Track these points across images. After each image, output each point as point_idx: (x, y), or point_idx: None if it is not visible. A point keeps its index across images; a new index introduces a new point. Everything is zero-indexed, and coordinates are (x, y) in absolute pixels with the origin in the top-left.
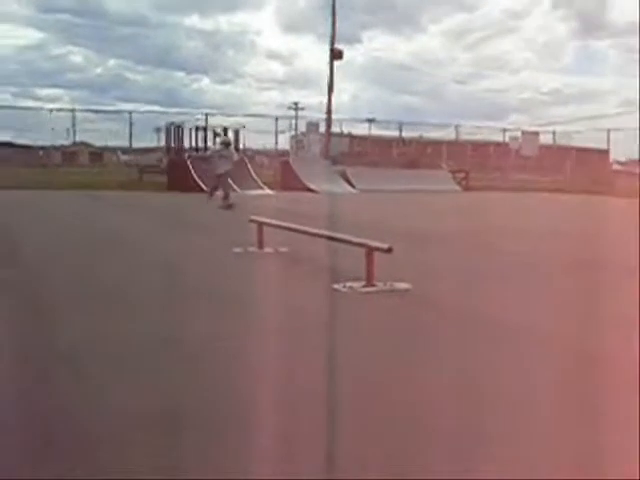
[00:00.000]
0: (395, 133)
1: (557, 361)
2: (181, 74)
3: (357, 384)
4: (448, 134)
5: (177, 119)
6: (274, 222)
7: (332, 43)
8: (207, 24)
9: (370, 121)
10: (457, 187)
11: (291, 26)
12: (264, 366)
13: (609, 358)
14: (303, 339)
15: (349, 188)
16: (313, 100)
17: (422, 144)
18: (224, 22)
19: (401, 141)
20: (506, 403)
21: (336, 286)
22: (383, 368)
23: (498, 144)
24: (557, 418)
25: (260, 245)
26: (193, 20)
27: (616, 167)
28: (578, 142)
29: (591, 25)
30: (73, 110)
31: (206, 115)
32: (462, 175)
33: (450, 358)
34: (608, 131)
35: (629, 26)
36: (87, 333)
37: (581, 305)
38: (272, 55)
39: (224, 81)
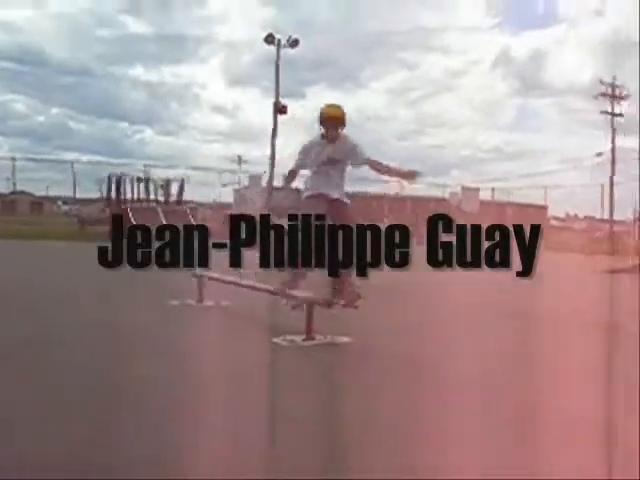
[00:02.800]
0: None
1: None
2: (124, 124)
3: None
4: (389, 189)
5: (120, 170)
6: (214, 275)
7: (276, 97)
8: (151, 75)
9: None
10: None
11: (236, 80)
12: (190, 422)
13: None
14: (235, 393)
15: None
16: (257, 154)
17: (365, 199)
18: (168, 74)
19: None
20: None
21: (276, 340)
22: (321, 418)
23: (438, 200)
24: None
25: (200, 298)
26: (137, 71)
27: (554, 223)
28: (517, 198)
29: (530, 84)
30: (13, 159)
31: (147, 167)
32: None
33: (380, 407)
34: (546, 188)
35: (567, 86)
36: None
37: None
38: (216, 108)
39: (167, 133)
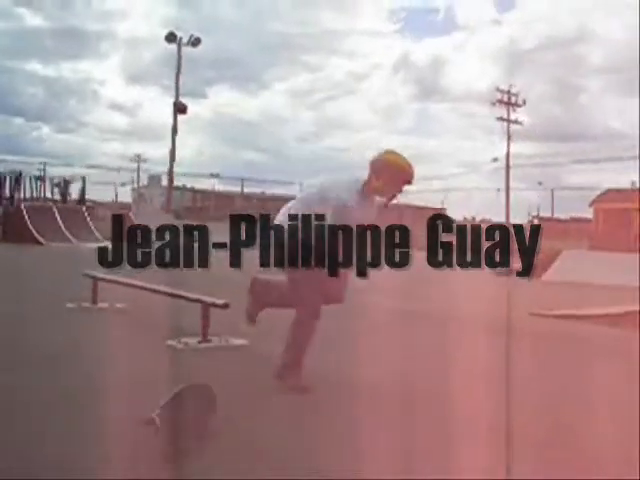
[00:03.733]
0: (238, 188)
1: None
2: (20, 121)
3: None
4: (290, 191)
5: (15, 167)
6: (109, 277)
7: (176, 97)
8: (49, 71)
9: (214, 176)
10: None
11: (135, 77)
12: (82, 426)
13: None
14: (128, 395)
15: None
16: (156, 153)
17: (264, 200)
18: (67, 69)
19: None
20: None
21: (170, 342)
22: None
23: None
24: None
25: (94, 300)
26: (34, 66)
27: None
28: (415, 201)
29: (429, 89)
30: None
31: (44, 165)
32: None
33: (271, 409)
34: (444, 191)
35: (465, 92)
36: None
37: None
38: (115, 106)
39: (65, 130)
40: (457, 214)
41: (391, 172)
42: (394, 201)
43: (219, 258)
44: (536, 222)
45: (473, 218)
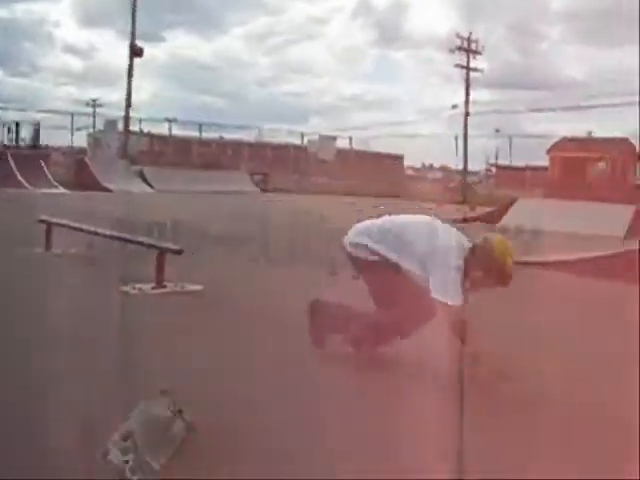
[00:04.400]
0: (195, 133)
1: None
2: None
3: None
4: (249, 136)
5: None
6: (64, 222)
7: (132, 39)
8: (2, 12)
9: (170, 121)
10: (255, 188)
11: (91, 20)
12: (38, 369)
13: None
14: (82, 340)
15: (147, 188)
16: (112, 97)
17: (222, 145)
18: (20, 11)
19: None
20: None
21: (125, 288)
22: (168, 364)
23: (297, 147)
24: None
25: (48, 246)
26: None
27: (410, 172)
28: (375, 147)
29: (389, 35)
30: None
31: None
32: (261, 177)
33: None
34: (403, 138)
35: (425, 38)
36: None
37: None
38: (70, 49)
39: (19, 74)
40: (416, 161)
41: (494, 271)
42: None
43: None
44: (493, 169)
45: (432, 165)
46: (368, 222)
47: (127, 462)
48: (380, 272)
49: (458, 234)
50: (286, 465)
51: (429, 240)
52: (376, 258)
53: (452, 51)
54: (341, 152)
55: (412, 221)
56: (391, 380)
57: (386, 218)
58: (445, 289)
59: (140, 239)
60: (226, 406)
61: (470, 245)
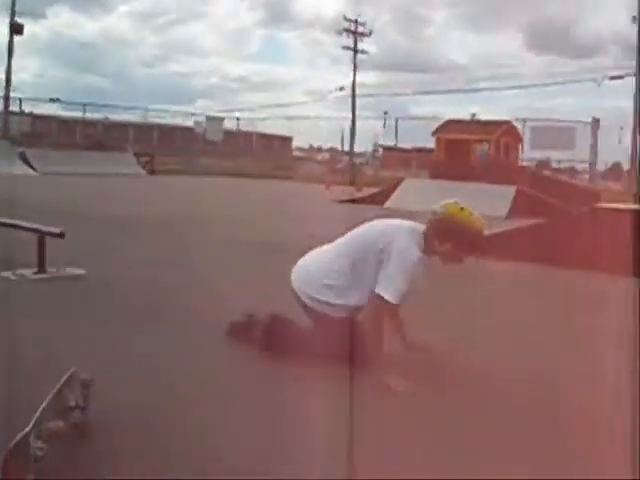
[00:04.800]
0: (80, 114)
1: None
2: None
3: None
4: (135, 117)
5: None
6: None
7: (12, 16)
8: None
9: (54, 101)
10: (142, 171)
11: None
12: None
13: None
14: None
15: (29, 170)
16: None
17: (107, 126)
18: None
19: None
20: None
21: (5, 274)
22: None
23: (184, 128)
24: None
25: None
26: None
27: (297, 154)
28: (261, 129)
29: (277, 16)
30: None
31: None
32: (147, 159)
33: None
34: (289, 118)
35: (313, 20)
36: None
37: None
38: None
39: None
40: (304, 142)
41: (462, 236)
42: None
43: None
44: (380, 151)
45: (320, 147)
46: (321, 257)
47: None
48: (338, 324)
49: (411, 226)
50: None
51: (381, 243)
52: (340, 314)
53: (340, 33)
54: (229, 133)
55: (361, 233)
56: (300, 374)
57: (338, 242)
58: (394, 287)
59: (20, 223)
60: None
61: (423, 227)
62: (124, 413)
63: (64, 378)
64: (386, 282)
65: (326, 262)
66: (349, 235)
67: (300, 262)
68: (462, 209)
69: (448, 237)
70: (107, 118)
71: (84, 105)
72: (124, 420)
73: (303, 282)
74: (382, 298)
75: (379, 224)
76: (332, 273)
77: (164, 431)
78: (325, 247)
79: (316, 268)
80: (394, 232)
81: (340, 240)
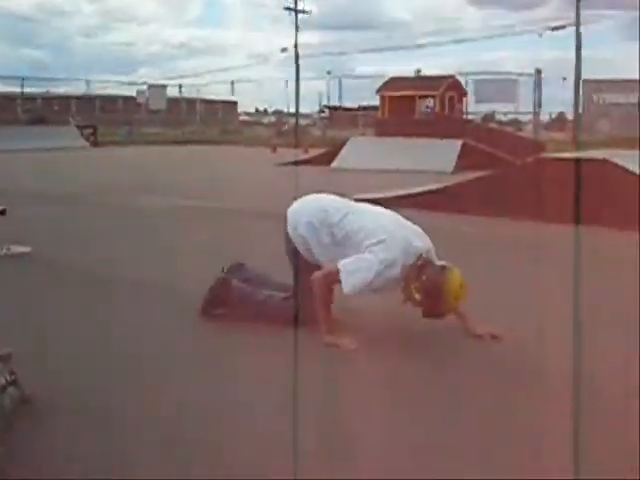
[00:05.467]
0: (19, 89)
1: None
2: None
3: None
4: (76, 89)
5: None
6: None
7: None
8: None
9: None
10: (85, 143)
11: None
12: None
13: None
14: None
15: None
16: None
17: (48, 99)
18: None
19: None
20: None
21: None
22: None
23: (127, 98)
24: None
25: None
26: None
27: (244, 118)
28: (205, 95)
29: None
30: None
31: None
32: (90, 131)
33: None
34: (233, 83)
35: None
36: None
37: None
38: None
39: None
40: (249, 107)
41: (436, 298)
42: None
43: None
44: (326, 111)
45: (265, 110)
46: (323, 213)
47: None
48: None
49: (415, 232)
50: (125, 436)
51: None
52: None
53: None
54: (172, 101)
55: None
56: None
57: (343, 209)
58: (357, 279)
59: None
60: (56, 373)
61: (424, 254)
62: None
63: None
64: (354, 268)
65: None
66: (355, 208)
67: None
68: (459, 286)
69: (425, 288)
70: (48, 91)
71: (23, 79)
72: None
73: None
74: (338, 273)
75: (392, 217)
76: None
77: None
78: (331, 196)
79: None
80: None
81: (348, 204)
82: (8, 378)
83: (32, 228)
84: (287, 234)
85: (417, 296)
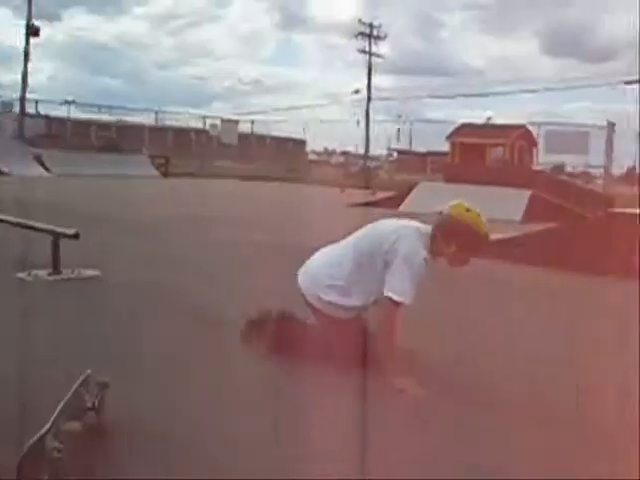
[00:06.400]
0: (95, 116)
1: None
2: None
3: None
4: (149, 119)
5: None
6: None
7: (28, 18)
8: None
9: (69, 103)
10: (156, 173)
11: None
12: None
13: None
14: None
15: (44, 172)
16: (8, 78)
17: (122, 128)
18: None
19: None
20: None
21: (21, 275)
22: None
23: (198, 131)
24: None
25: None
26: None
27: (312, 157)
28: (276, 132)
29: (292, 19)
30: None
31: None
32: (162, 161)
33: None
34: (305, 123)
35: (328, 23)
36: None
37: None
38: None
39: None
40: (318, 145)
41: (466, 237)
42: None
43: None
44: (395, 154)
45: (334, 150)
46: (326, 257)
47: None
48: (344, 325)
49: (416, 226)
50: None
51: (387, 244)
52: (345, 314)
53: (355, 36)
54: (243, 136)
55: (366, 234)
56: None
57: (342, 243)
58: (403, 288)
59: (34, 224)
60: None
61: (429, 228)
62: (135, 416)
63: (80, 379)
64: (394, 283)
65: (330, 262)
66: (354, 236)
67: (307, 263)
68: (467, 210)
69: (452, 238)
70: (121, 120)
71: (99, 107)
72: (134, 421)
73: (309, 282)
74: (391, 299)
75: (384, 224)
76: (336, 273)
77: (175, 434)
78: (330, 247)
79: (321, 268)
80: (399, 233)
81: (345, 241)
82: (96, 405)
83: (104, 253)
84: None
85: (452, 249)
